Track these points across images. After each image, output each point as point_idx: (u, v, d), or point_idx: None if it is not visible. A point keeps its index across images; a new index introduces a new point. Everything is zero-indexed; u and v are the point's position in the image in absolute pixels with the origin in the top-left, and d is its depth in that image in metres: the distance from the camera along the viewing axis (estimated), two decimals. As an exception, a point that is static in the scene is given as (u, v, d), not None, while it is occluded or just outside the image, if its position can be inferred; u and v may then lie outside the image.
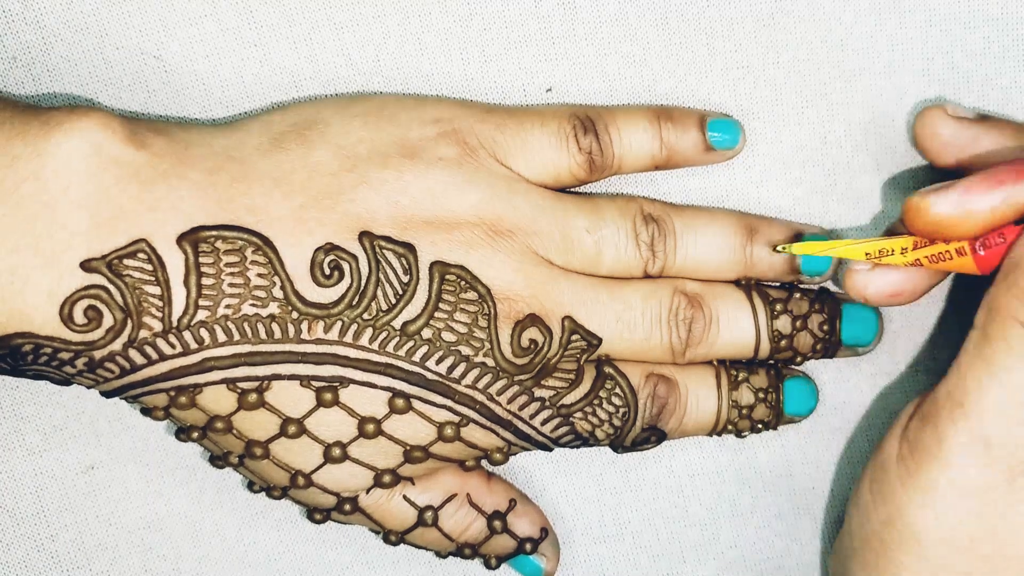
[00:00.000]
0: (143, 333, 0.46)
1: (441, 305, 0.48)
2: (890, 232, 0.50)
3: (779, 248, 0.51)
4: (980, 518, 0.45)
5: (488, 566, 0.54)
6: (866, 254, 0.48)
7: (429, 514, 0.52)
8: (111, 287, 0.46)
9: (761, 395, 0.53)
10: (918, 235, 0.47)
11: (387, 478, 0.50)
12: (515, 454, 0.52)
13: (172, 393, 0.48)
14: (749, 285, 0.53)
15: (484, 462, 0.54)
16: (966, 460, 0.45)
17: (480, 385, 0.49)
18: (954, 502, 0.45)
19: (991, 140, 0.48)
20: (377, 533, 0.53)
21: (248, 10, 0.51)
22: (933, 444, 0.46)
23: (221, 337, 0.47)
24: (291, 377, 0.48)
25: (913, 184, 0.53)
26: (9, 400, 0.54)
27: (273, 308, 0.47)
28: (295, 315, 0.47)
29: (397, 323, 0.48)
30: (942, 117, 0.49)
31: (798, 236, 0.52)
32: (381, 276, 0.48)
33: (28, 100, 0.51)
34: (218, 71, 0.52)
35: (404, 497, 0.51)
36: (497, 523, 0.53)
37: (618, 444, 0.52)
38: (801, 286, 0.53)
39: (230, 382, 0.48)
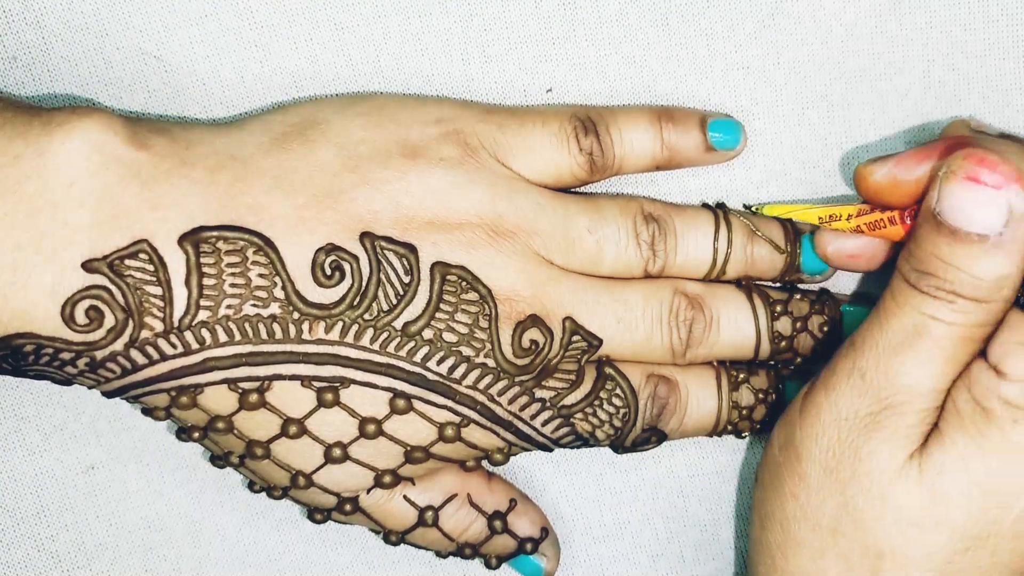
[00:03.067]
0: (144, 333, 0.46)
1: (442, 306, 0.48)
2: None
3: (751, 206, 0.53)
4: (846, 441, 0.48)
5: (488, 566, 0.54)
6: (819, 218, 0.52)
7: (429, 514, 0.52)
8: (112, 287, 0.46)
9: (761, 396, 0.53)
10: (864, 199, 0.50)
11: (388, 478, 0.50)
12: (515, 454, 0.52)
13: (173, 393, 0.48)
14: (749, 286, 0.53)
15: (484, 462, 0.54)
16: (844, 387, 0.48)
17: (481, 386, 0.49)
18: (830, 425, 0.48)
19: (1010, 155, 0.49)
20: (377, 533, 0.53)
21: (248, 10, 0.51)
22: (826, 374, 0.49)
23: (222, 337, 0.47)
24: (292, 377, 0.48)
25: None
26: (9, 400, 0.54)
27: (274, 308, 0.47)
28: (296, 315, 0.47)
29: (398, 323, 0.48)
30: (965, 129, 0.51)
31: (797, 235, 0.53)
32: (382, 276, 0.48)
33: (28, 100, 0.51)
34: (219, 71, 0.52)
35: (404, 497, 0.51)
36: (497, 523, 0.53)
37: (618, 445, 0.52)
38: (801, 287, 0.53)
39: (231, 382, 0.48)
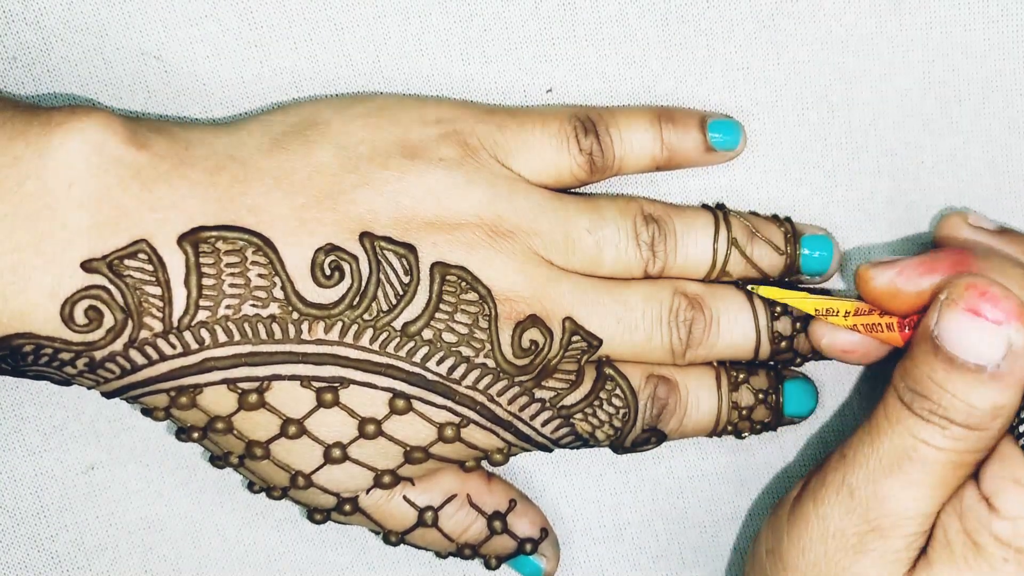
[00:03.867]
0: (144, 333, 0.46)
1: (442, 306, 0.48)
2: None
3: (749, 288, 0.52)
4: (833, 559, 0.47)
5: (488, 566, 0.54)
6: (815, 309, 0.51)
7: (429, 515, 0.52)
8: (112, 287, 0.46)
9: (761, 396, 0.53)
10: (864, 301, 0.50)
11: (387, 479, 0.50)
12: (515, 455, 0.52)
13: (172, 393, 0.48)
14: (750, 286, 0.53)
15: (484, 463, 0.53)
16: (834, 503, 0.47)
17: (480, 386, 0.49)
18: (818, 540, 0.48)
19: (1008, 253, 0.50)
20: (377, 534, 0.53)
21: (248, 10, 0.51)
22: (816, 485, 0.49)
23: (221, 337, 0.47)
24: (291, 377, 0.48)
25: (913, 187, 0.53)
26: (9, 400, 0.54)
27: (274, 308, 0.47)
28: (295, 315, 0.47)
29: (398, 324, 0.48)
30: (961, 225, 0.51)
31: (797, 236, 0.53)
32: (382, 277, 0.48)
33: (28, 100, 0.51)
34: (218, 71, 0.52)
35: (404, 498, 0.51)
36: (497, 523, 0.53)
37: (618, 445, 0.52)
38: (801, 287, 0.53)
39: (230, 382, 0.48)
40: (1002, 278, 0.46)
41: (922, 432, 0.46)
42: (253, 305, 0.47)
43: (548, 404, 0.50)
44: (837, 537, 0.47)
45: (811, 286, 0.54)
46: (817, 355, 0.53)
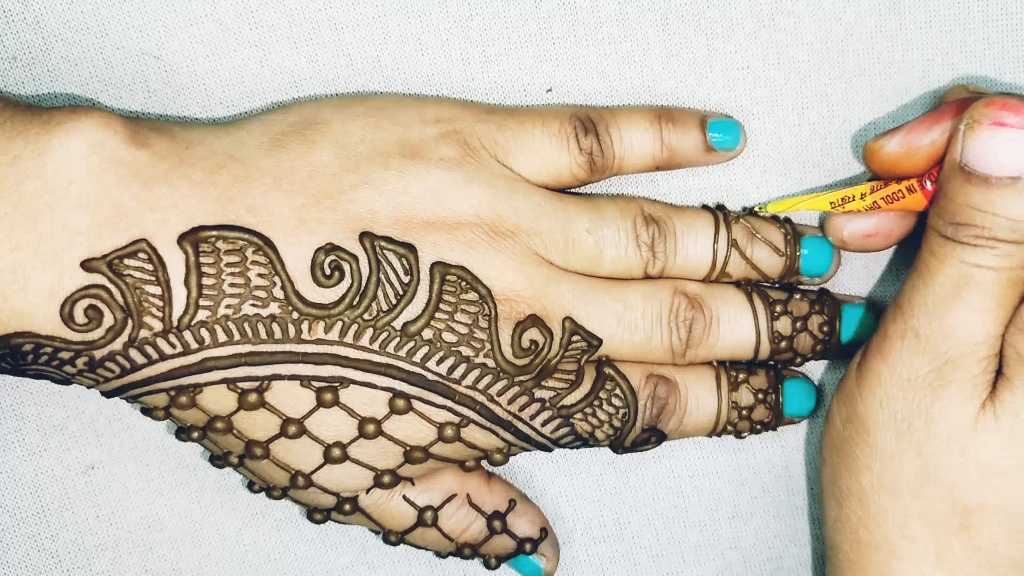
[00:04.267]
0: (143, 333, 0.46)
1: (442, 306, 0.48)
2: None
3: (756, 208, 0.53)
4: (913, 403, 0.48)
5: (488, 566, 0.54)
6: (830, 203, 0.52)
7: (429, 514, 0.52)
8: (111, 287, 0.46)
9: (761, 396, 0.53)
10: (878, 174, 0.51)
11: (387, 478, 0.50)
12: (515, 455, 0.52)
13: (172, 393, 0.48)
14: (749, 286, 0.53)
15: (484, 462, 0.54)
16: (900, 351, 0.48)
17: (480, 386, 0.49)
18: (892, 390, 0.48)
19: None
20: (377, 533, 0.53)
21: (248, 10, 0.51)
22: (878, 341, 0.49)
23: (221, 337, 0.47)
24: (291, 377, 0.48)
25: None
26: (9, 400, 0.54)
27: (273, 308, 0.47)
28: (295, 315, 0.47)
29: (398, 323, 0.48)
30: (964, 92, 0.51)
31: (797, 237, 0.53)
32: (382, 276, 0.48)
33: (28, 100, 0.51)
34: (218, 71, 0.52)
35: (404, 497, 0.51)
36: (497, 523, 0.53)
37: (618, 445, 0.52)
38: (801, 287, 0.53)
39: (230, 382, 0.48)
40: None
41: (972, 257, 0.46)
42: (253, 305, 0.47)
43: (548, 404, 0.50)
44: (913, 381, 0.48)
45: (810, 287, 0.54)
46: (817, 355, 0.53)
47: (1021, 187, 0.45)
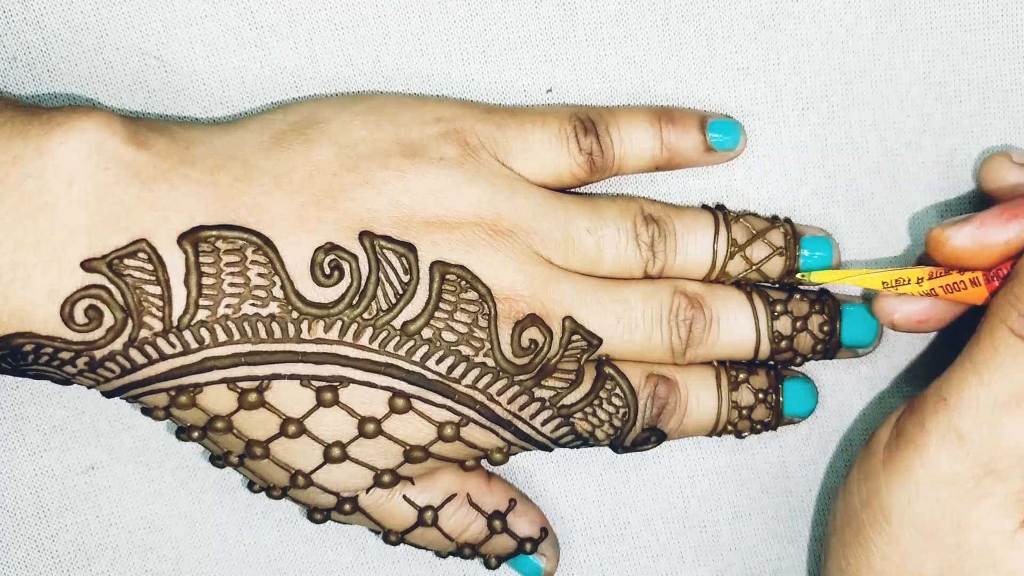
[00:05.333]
0: (143, 333, 0.46)
1: (441, 305, 0.48)
2: (920, 262, 0.51)
3: (799, 276, 0.51)
4: (946, 508, 0.46)
5: (488, 566, 0.54)
6: (883, 283, 0.50)
7: (429, 514, 0.52)
8: (112, 287, 0.46)
9: (761, 396, 0.53)
10: (940, 264, 0.48)
11: (387, 478, 0.50)
12: (515, 454, 0.52)
13: (172, 393, 0.48)
14: (749, 286, 0.53)
15: (484, 462, 0.54)
16: (941, 449, 0.46)
17: (480, 385, 0.49)
18: (925, 489, 0.46)
19: None
20: (377, 533, 0.53)
21: (248, 10, 0.51)
22: (915, 432, 0.47)
23: (221, 337, 0.47)
24: (291, 377, 0.48)
25: (913, 188, 0.53)
26: (9, 400, 0.54)
27: (273, 308, 0.47)
28: (295, 315, 0.47)
29: (397, 323, 0.48)
30: (1007, 164, 0.50)
31: (797, 237, 0.53)
32: (381, 276, 0.48)
33: (28, 100, 0.51)
34: (218, 71, 0.52)
35: (404, 497, 0.51)
36: (497, 523, 0.53)
37: (618, 444, 0.52)
38: (801, 287, 0.53)
39: (230, 382, 0.48)
40: None
41: None
42: (253, 304, 0.47)
43: (548, 403, 0.50)
44: (950, 484, 0.46)
45: (810, 288, 0.54)
46: (817, 355, 0.53)
47: None
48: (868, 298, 0.54)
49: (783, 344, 0.52)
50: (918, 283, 0.49)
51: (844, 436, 0.56)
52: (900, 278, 0.49)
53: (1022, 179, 0.49)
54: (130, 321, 0.46)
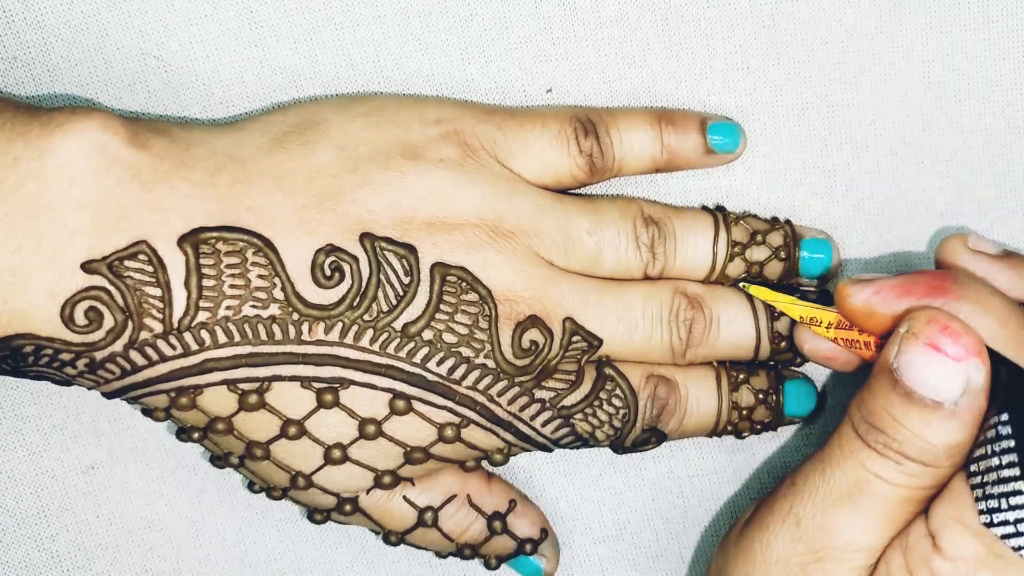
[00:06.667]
0: (144, 334, 0.46)
1: (442, 307, 0.48)
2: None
3: (740, 286, 0.52)
4: None
5: (488, 566, 0.54)
6: (799, 316, 0.51)
7: (429, 515, 0.52)
8: (112, 288, 0.46)
9: (761, 396, 0.53)
10: (843, 316, 0.49)
11: (387, 479, 0.50)
12: (515, 455, 0.52)
13: (173, 394, 0.48)
14: (749, 286, 0.53)
15: (484, 463, 0.54)
16: (780, 532, 0.47)
17: (481, 386, 0.49)
18: (759, 568, 0.48)
19: (1007, 278, 0.49)
20: (377, 533, 0.53)
21: (248, 10, 0.51)
22: (764, 512, 0.48)
23: (222, 338, 0.47)
24: (292, 378, 0.48)
25: (913, 187, 0.53)
26: (9, 400, 0.54)
27: (274, 309, 0.47)
28: (296, 316, 0.47)
29: (398, 324, 0.48)
30: (961, 249, 0.50)
31: (796, 239, 0.53)
32: (382, 277, 0.48)
33: (28, 100, 0.51)
34: (218, 71, 0.52)
35: (404, 498, 0.51)
36: (497, 524, 0.53)
37: (618, 445, 0.52)
38: (801, 288, 0.53)
39: (230, 383, 0.48)
40: (978, 307, 0.46)
41: (875, 465, 0.45)
42: (253, 306, 0.47)
43: (548, 404, 0.50)
44: (780, 565, 0.47)
45: (808, 289, 0.54)
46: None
47: (942, 414, 0.44)
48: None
49: (783, 345, 0.52)
50: (827, 328, 0.50)
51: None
52: (814, 317, 0.51)
53: (973, 265, 0.49)
54: (130, 323, 0.46)
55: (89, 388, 0.48)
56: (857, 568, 0.46)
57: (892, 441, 0.45)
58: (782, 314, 0.52)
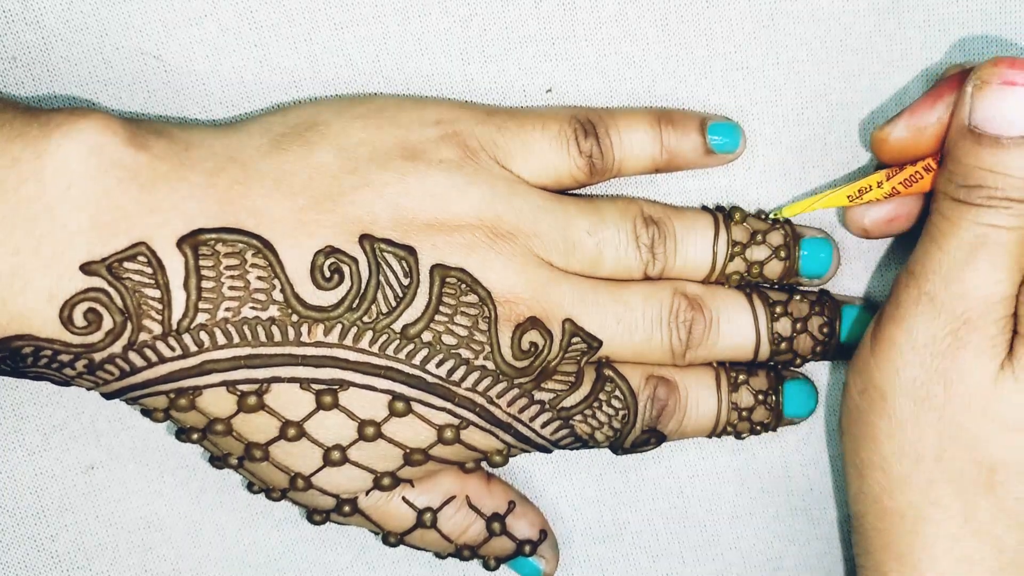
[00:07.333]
0: (143, 336, 0.46)
1: (441, 308, 0.48)
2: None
3: (770, 214, 0.53)
4: (931, 368, 0.48)
5: (487, 567, 0.54)
6: (848, 197, 0.51)
7: (428, 516, 0.52)
8: (111, 290, 0.46)
9: (761, 397, 0.53)
10: (888, 163, 0.51)
11: (386, 481, 0.50)
12: (514, 456, 0.52)
13: (172, 395, 0.48)
14: (749, 287, 0.53)
15: (484, 464, 0.54)
16: (915, 316, 0.48)
17: (480, 388, 0.49)
18: (909, 356, 0.48)
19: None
20: (376, 534, 0.53)
21: (248, 10, 0.51)
22: (891, 311, 0.49)
23: (221, 340, 0.47)
24: (291, 380, 0.48)
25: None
26: (9, 400, 0.54)
27: (273, 311, 0.47)
28: (295, 318, 0.47)
29: (397, 326, 0.48)
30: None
31: (796, 238, 0.53)
32: (381, 279, 0.48)
33: (28, 100, 0.51)
34: (218, 71, 0.52)
35: (403, 499, 0.51)
36: (496, 525, 0.53)
37: (618, 446, 0.52)
38: (801, 288, 0.53)
39: (229, 384, 0.47)
40: None
41: (986, 218, 0.47)
42: (252, 307, 0.47)
43: (548, 406, 0.50)
44: (929, 345, 0.48)
45: (810, 288, 0.54)
46: (817, 356, 0.53)
47: None
48: (869, 299, 0.54)
49: (783, 345, 0.52)
50: (879, 186, 0.51)
51: (844, 435, 0.56)
52: (862, 187, 0.51)
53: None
54: (129, 324, 0.46)
55: (88, 389, 0.48)
56: (1003, 318, 0.48)
57: (995, 191, 0.46)
58: (782, 315, 0.52)
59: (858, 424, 0.50)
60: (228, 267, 0.47)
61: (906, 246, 0.54)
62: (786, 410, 0.53)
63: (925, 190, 0.50)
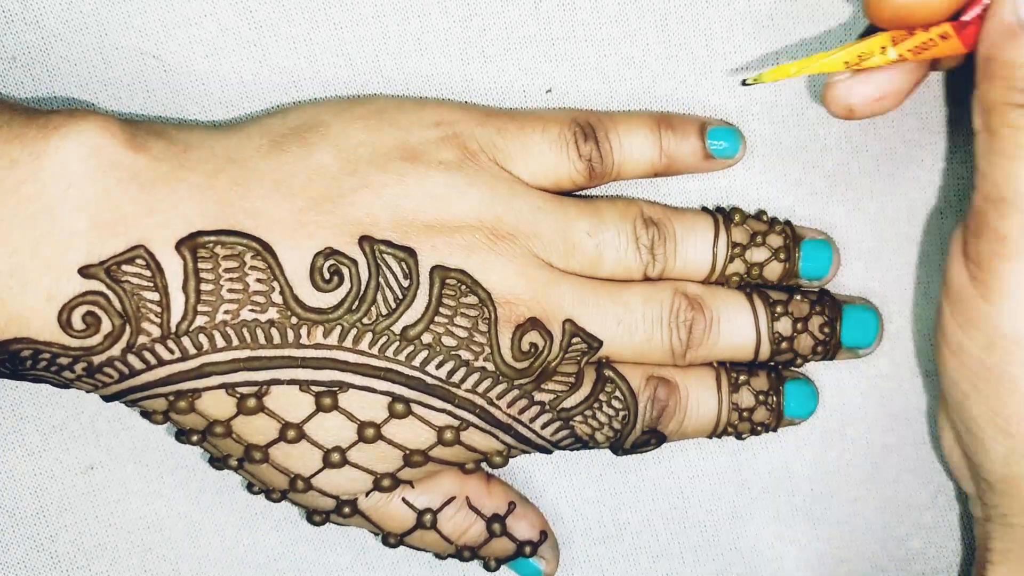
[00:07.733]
0: (142, 339, 0.46)
1: (441, 310, 0.48)
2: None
3: (747, 80, 0.48)
4: None
5: (487, 568, 0.54)
6: (845, 63, 0.46)
7: (428, 517, 0.52)
8: (109, 293, 0.46)
9: (761, 397, 0.53)
10: (886, 27, 0.46)
11: (386, 482, 0.50)
12: (515, 456, 0.52)
13: (171, 398, 0.48)
14: (750, 287, 0.53)
15: (484, 465, 0.54)
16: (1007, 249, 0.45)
17: (480, 389, 0.49)
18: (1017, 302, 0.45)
19: None
20: (376, 535, 0.53)
21: (248, 10, 0.51)
22: (996, 246, 0.45)
23: (220, 342, 0.47)
24: (290, 382, 0.48)
25: (912, 186, 0.53)
26: (9, 400, 0.54)
27: (272, 313, 0.47)
28: (294, 320, 0.47)
29: (397, 328, 0.48)
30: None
31: (797, 240, 0.53)
32: (381, 281, 0.48)
33: (27, 101, 0.51)
34: (218, 71, 0.52)
35: (403, 500, 0.52)
36: (496, 526, 0.53)
37: (618, 447, 0.52)
38: (801, 289, 0.53)
39: (229, 387, 0.47)
40: None
41: None
42: (252, 310, 0.47)
43: (548, 407, 0.50)
44: None
45: (810, 289, 0.54)
46: (817, 356, 0.53)
47: None
48: (869, 299, 0.54)
49: (783, 345, 0.52)
50: (883, 52, 0.45)
51: (844, 436, 0.56)
52: (862, 53, 0.45)
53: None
54: (128, 327, 0.46)
55: (87, 391, 0.48)
56: None
57: None
58: (782, 315, 0.52)
59: (994, 382, 0.46)
60: (227, 269, 0.47)
61: (906, 246, 0.54)
62: (787, 410, 0.53)
63: (940, 56, 0.46)
